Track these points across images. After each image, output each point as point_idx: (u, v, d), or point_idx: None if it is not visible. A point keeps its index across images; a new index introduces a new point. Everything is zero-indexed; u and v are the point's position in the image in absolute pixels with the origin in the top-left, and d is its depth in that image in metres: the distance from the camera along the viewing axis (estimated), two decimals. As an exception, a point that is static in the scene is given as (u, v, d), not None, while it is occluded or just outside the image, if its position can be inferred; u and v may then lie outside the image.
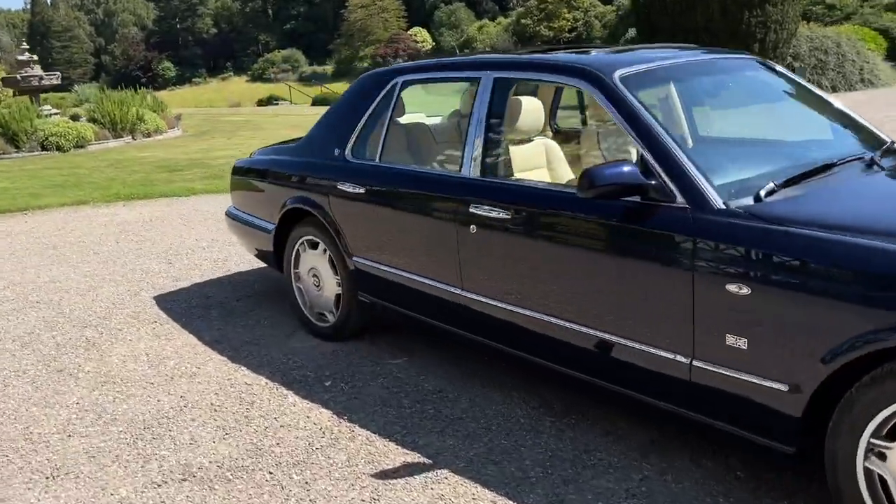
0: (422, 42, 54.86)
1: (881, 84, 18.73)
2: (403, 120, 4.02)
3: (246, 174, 4.60)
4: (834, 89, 17.51)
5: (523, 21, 49.36)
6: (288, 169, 4.19)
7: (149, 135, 15.23)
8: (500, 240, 3.00)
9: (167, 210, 8.12)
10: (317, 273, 4.07)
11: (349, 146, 3.80)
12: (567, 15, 49.57)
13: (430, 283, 3.35)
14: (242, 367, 3.80)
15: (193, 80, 61.38)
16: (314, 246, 4.06)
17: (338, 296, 3.97)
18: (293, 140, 5.04)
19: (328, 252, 3.95)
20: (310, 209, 3.96)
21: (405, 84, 3.66)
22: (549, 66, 3.09)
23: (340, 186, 3.75)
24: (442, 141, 3.97)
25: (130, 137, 14.79)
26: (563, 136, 4.50)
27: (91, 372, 3.81)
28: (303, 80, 53.53)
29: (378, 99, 3.71)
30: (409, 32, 55.55)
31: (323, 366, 3.76)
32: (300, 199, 4.04)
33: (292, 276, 4.25)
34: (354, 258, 3.76)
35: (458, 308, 3.24)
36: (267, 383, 3.60)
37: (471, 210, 3.06)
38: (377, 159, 3.66)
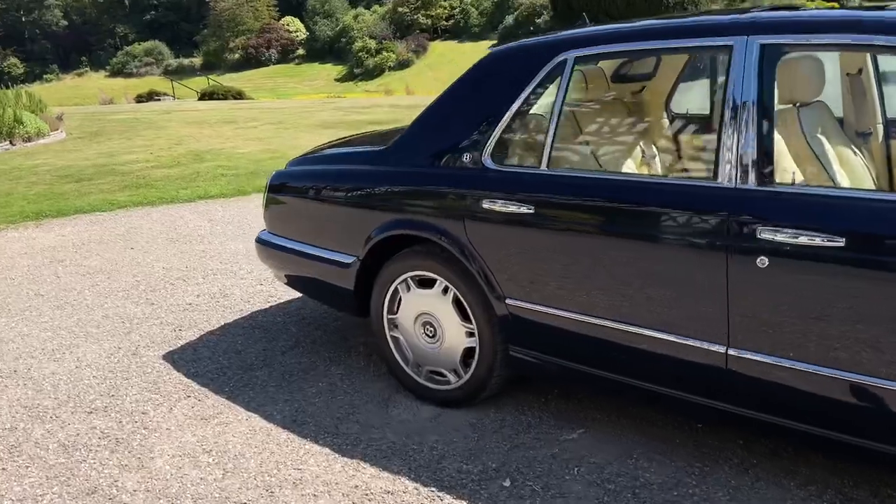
0: (295, 31, 52.81)
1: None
2: (580, 110, 3.03)
3: (296, 192, 3.47)
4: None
5: (400, 9, 48.38)
6: (379, 183, 3.11)
7: (30, 139, 13.26)
8: (815, 280, 2.10)
9: (96, 230, 6.71)
10: (432, 320, 3.03)
11: (488, 149, 2.79)
12: (444, 3, 49.02)
13: (664, 338, 2.40)
14: (362, 464, 2.72)
15: (45, 76, 56.39)
16: (426, 284, 3.02)
17: (469, 349, 2.96)
18: (342, 141, 3.94)
19: (453, 292, 2.92)
20: (426, 236, 2.92)
21: (581, 61, 2.68)
22: (858, 24, 2.18)
23: (486, 204, 2.73)
24: (647, 138, 3.02)
25: (9, 143, 12.80)
26: (685, 125, 3.64)
27: (138, 495, 2.62)
28: (168, 73, 50.32)
29: (535, 83, 2.71)
30: (280, 22, 53.32)
31: (477, 452, 2.74)
32: (405, 224, 2.99)
33: (385, 325, 3.18)
34: (509, 301, 2.76)
35: (720, 375, 2.32)
36: (417, 489, 2.55)
37: (760, 236, 2.14)
38: (543, 165, 2.66)
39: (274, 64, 50.96)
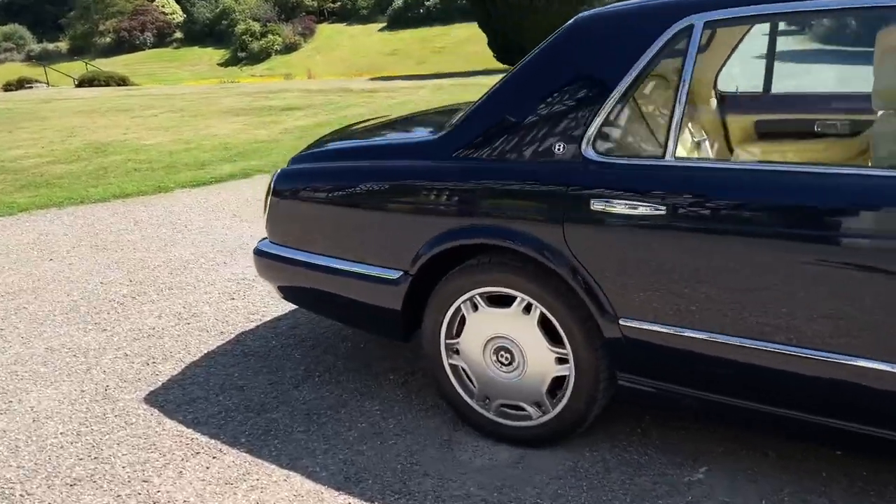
0: (171, 13, 50.13)
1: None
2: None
3: (314, 195, 2.86)
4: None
5: (283, -11, 46.70)
6: (436, 182, 2.55)
7: None
8: None
9: None
10: (508, 345, 2.51)
11: (588, 137, 2.28)
12: (331, -18, 47.71)
13: (845, 362, 1.98)
14: (459, 532, 2.18)
15: None
16: (500, 302, 2.49)
17: (559, 378, 2.46)
18: (357, 130, 3.34)
19: (540, 311, 2.41)
20: (508, 245, 2.39)
21: (712, 26, 2.20)
22: None
23: (597, 205, 2.23)
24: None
25: None
26: (734, 105, 3.28)
27: None
28: (32, 59, 46.72)
29: (651, 53, 2.22)
30: (155, 3, 50.44)
31: (595, 506, 2.25)
32: (477, 231, 2.45)
33: (443, 351, 2.64)
34: (624, 321, 2.27)
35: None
36: (546, 564, 2.04)
37: None
38: (668, 155, 2.18)
39: (150, 48, 48.16)
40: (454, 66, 24.28)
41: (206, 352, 3.48)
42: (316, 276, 2.90)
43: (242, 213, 6.16)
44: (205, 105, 13.50)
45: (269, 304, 4.00)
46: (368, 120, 3.87)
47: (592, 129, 2.28)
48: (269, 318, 3.82)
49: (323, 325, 3.67)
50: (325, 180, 2.84)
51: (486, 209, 2.44)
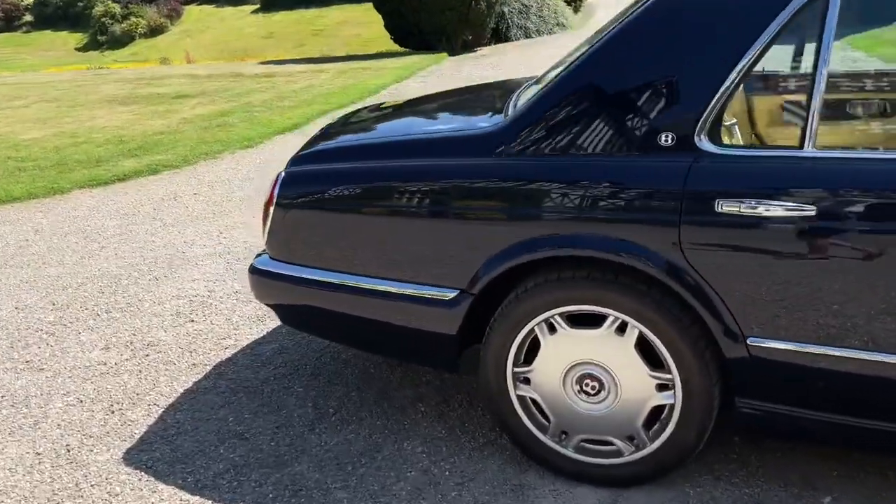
0: (19, -5, 46.24)
1: (570, 27, 19.44)
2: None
3: (337, 203, 2.38)
4: (538, 33, 17.69)
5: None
6: (502, 184, 2.13)
7: None
8: None
9: None
10: (596, 371, 2.14)
11: (703, 124, 1.93)
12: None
13: None
14: None
15: None
16: (584, 322, 2.11)
17: (658, 407, 2.11)
18: (368, 119, 2.86)
19: (638, 331, 2.05)
20: (608, 256, 2.01)
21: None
22: None
23: (723, 207, 1.87)
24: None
25: None
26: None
27: None
28: None
29: (781, 22, 1.87)
30: (-1, -16, 46.34)
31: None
32: (566, 241, 2.06)
33: (510, 381, 2.23)
34: (753, 340, 1.94)
35: None
36: None
37: None
38: (808, 146, 1.85)
39: (-5, 33, 44.27)
40: (336, 48, 23.49)
41: (181, 391, 2.92)
42: (340, 298, 2.42)
43: (164, 215, 5.46)
44: (81, 94, 12.26)
45: (239, 325, 3.45)
46: (362, 109, 3.36)
47: (708, 116, 1.92)
48: (246, 343, 3.27)
49: (315, 346, 3.17)
50: (349, 184, 2.36)
51: (574, 215, 2.04)
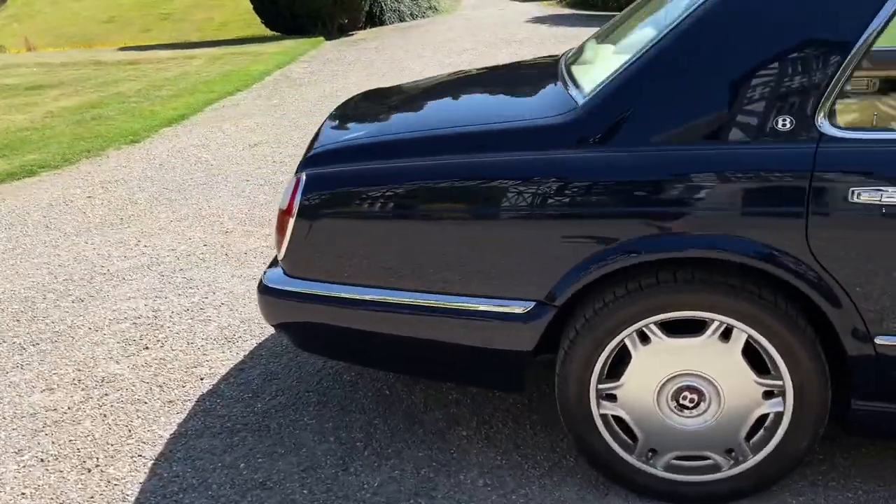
0: None
1: (441, 10, 19.25)
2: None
3: (372, 207, 2.04)
4: (412, 16, 17.39)
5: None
6: (585, 180, 1.87)
7: None
8: None
9: None
10: (696, 382, 1.94)
11: (823, 106, 1.76)
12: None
13: None
14: None
15: None
16: (680, 330, 1.90)
17: (763, 416, 1.95)
18: (384, 107, 2.51)
19: (747, 336, 1.87)
20: (723, 255, 1.81)
21: None
22: None
23: (860, 196, 1.71)
24: None
25: None
26: None
27: None
28: None
29: (902, -1, 1.72)
30: None
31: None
32: (670, 242, 1.83)
33: (593, 399, 1.99)
34: (881, 339, 1.81)
35: None
36: None
37: None
38: (939, 126, 1.72)
39: None
40: (188, 34, 22.16)
41: (166, 435, 2.48)
42: (382, 318, 2.09)
43: (60, 223, 4.79)
44: (-89, 87, 10.80)
45: (206, 349, 3.01)
46: (358, 97, 2.98)
47: (829, 96, 1.75)
48: (224, 371, 2.85)
49: (307, 367, 2.80)
50: (392, 185, 2.02)
51: (681, 211, 1.82)
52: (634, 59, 1.89)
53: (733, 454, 2.00)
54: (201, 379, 2.80)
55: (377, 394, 2.62)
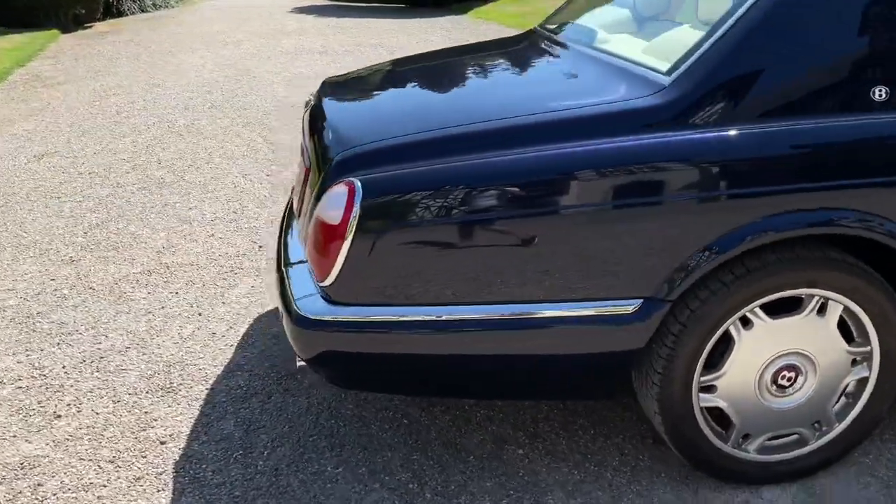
0: None
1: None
2: None
3: (450, 214, 1.76)
4: (155, 6, 16.02)
5: None
6: (702, 156, 1.76)
7: None
8: None
9: None
10: (796, 360, 1.93)
11: (911, 76, 1.81)
12: None
13: None
14: None
15: None
16: (784, 309, 1.88)
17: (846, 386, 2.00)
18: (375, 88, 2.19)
19: (843, 307, 1.90)
20: (836, 230, 1.80)
21: None
22: None
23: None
24: None
25: None
26: None
27: None
28: None
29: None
30: None
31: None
32: (788, 220, 1.78)
33: (695, 393, 1.91)
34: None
35: None
36: None
37: None
38: None
39: None
40: None
41: (163, 521, 1.97)
42: (466, 338, 1.82)
43: None
44: None
45: (144, 405, 2.47)
46: (344, 82, 2.54)
47: (916, 65, 1.79)
48: (187, 429, 2.34)
49: (290, 406, 2.41)
50: (466, 184, 1.75)
51: (800, 187, 1.77)
52: (724, 32, 1.80)
53: (820, 426, 2.01)
54: (162, 443, 2.28)
55: (393, 425, 2.30)
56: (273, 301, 3.06)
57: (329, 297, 1.83)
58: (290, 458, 2.18)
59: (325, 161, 1.94)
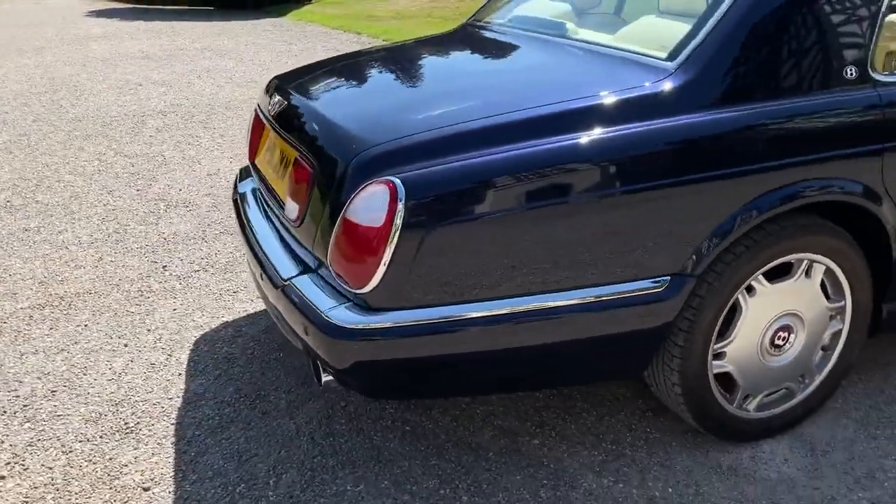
0: None
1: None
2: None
3: (491, 208, 1.73)
4: None
5: None
6: (717, 135, 1.86)
7: None
8: None
9: None
10: (789, 321, 2.11)
11: (871, 56, 2.03)
12: None
13: None
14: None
15: None
16: (777, 274, 2.05)
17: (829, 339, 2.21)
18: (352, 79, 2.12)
19: (825, 268, 2.10)
20: (827, 197, 1.98)
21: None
22: None
23: (908, 131, 2.03)
24: None
25: None
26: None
27: None
28: None
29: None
30: None
31: None
32: (795, 190, 1.93)
33: (710, 360, 2.04)
34: (913, 244, 2.17)
35: None
36: None
37: None
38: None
39: None
40: None
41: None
42: (512, 330, 1.80)
43: None
44: None
45: (107, 454, 2.20)
46: (317, 73, 2.34)
47: (874, 46, 2.01)
48: (170, 472, 2.11)
49: (278, 431, 2.25)
50: (508, 175, 1.73)
51: (800, 160, 1.92)
52: (720, 17, 1.91)
53: (804, 378, 2.20)
54: (146, 489, 2.04)
55: (396, 433, 2.22)
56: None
57: (366, 303, 1.73)
58: (301, 483, 2.04)
59: (333, 163, 1.83)
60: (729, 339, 2.03)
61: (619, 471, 2.06)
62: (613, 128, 1.81)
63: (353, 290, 1.74)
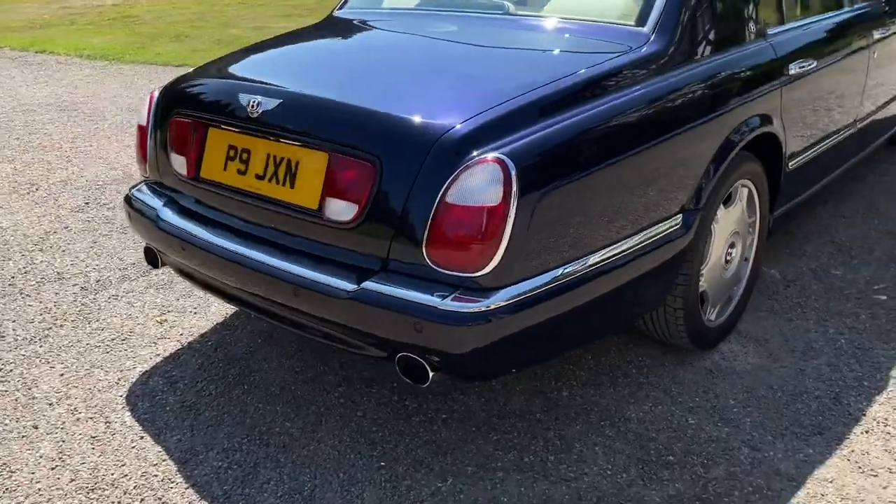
0: None
1: None
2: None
3: (571, 173, 1.86)
4: None
5: None
6: (693, 87, 2.19)
7: None
8: None
9: None
10: (734, 238, 2.54)
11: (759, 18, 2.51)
12: None
13: None
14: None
15: None
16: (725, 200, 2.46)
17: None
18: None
19: (748, 190, 2.56)
20: (765, 130, 2.43)
21: None
22: None
23: (794, 69, 2.55)
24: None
25: None
26: None
27: None
28: None
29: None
30: None
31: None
32: (753, 124, 2.35)
33: (699, 282, 2.39)
34: (792, 162, 2.72)
35: None
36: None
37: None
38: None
39: None
40: None
41: None
42: (622, 271, 2.01)
43: None
44: None
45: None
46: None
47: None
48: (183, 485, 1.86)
49: (295, 450, 2.09)
50: (595, 136, 1.90)
51: (752, 100, 2.32)
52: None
53: (738, 284, 2.62)
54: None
55: (436, 424, 2.19)
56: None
57: (480, 285, 1.72)
58: (388, 496, 1.93)
59: (402, 150, 1.77)
60: (707, 262, 2.35)
61: (649, 395, 2.28)
62: (638, 86, 2.02)
63: (467, 275, 1.71)
